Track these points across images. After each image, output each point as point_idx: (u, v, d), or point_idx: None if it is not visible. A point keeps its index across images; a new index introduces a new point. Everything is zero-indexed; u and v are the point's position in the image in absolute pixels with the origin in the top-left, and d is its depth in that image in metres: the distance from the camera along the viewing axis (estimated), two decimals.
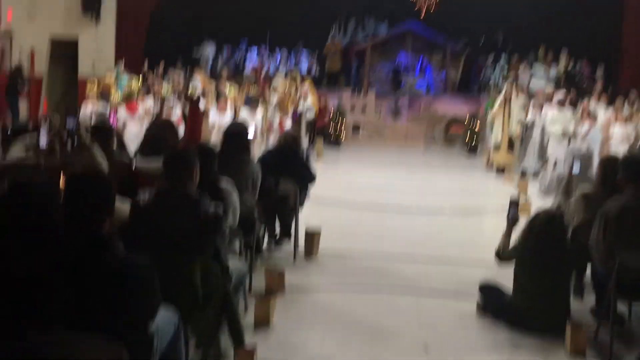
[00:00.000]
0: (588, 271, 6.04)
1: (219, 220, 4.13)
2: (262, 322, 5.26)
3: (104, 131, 5.65)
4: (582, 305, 6.03)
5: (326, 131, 17.12)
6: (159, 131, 6.19)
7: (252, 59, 19.98)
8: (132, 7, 18.15)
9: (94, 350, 2.87)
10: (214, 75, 17.15)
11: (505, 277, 5.89)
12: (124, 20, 18.16)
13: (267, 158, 6.96)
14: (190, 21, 19.41)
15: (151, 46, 18.47)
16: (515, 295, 5.62)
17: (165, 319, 3.33)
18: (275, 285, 5.97)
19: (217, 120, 11.87)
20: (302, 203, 7.29)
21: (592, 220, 5.44)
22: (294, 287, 6.17)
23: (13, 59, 17.75)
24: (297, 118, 13.63)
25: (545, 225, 5.54)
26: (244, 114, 12.29)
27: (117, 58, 17.31)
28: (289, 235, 7.21)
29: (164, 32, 18.81)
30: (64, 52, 18.76)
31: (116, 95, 12.57)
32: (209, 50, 20.05)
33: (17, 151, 5.02)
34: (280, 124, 12.49)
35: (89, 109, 12.10)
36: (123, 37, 18.16)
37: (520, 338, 5.33)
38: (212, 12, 19.48)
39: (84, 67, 18.17)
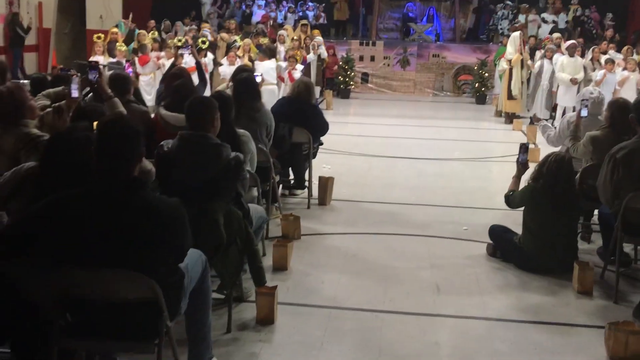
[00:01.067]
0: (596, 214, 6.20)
1: (240, 166, 4.28)
2: (280, 266, 5.46)
3: (122, 82, 5.77)
4: (589, 248, 6.21)
5: (335, 82, 17.16)
6: (175, 81, 6.31)
7: (259, 10, 19.93)
8: None
9: (130, 286, 3.07)
10: (222, 28, 17.12)
11: (514, 220, 6.07)
12: None
13: (281, 107, 7.07)
14: None
15: (157, 1, 18.48)
16: (523, 237, 5.78)
17: (193, 258, 3.50)
18: (291, 231, 6.15)
19: (228, 72, 11.93)
20: (315, 152, 7.43)
21: (600, 162, 5.56)
22: (308, 233, 6.36)
23: (21, 12, 17.73)
24: (306, 67, 13.64)
25: (555, 169, 5.66)
26: (257, 64, 12.34)
27: (125, 12, 17.32)
28: (303, 183, 7.37)
29: None
30: (72, 6, 18.76)
31: (124, 48, 12.60)
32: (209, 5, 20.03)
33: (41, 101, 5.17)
34: (290, 74, 12.53)
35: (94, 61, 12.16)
36: None
37: (529, 279, 5.52)
38: None
39: (92, 21, 18.19)
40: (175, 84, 5.92)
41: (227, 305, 4.43)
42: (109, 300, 3.08)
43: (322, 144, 7.58)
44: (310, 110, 7.17)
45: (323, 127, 7.27)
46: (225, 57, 12.72)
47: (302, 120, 7.03)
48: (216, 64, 12.53)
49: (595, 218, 6.47)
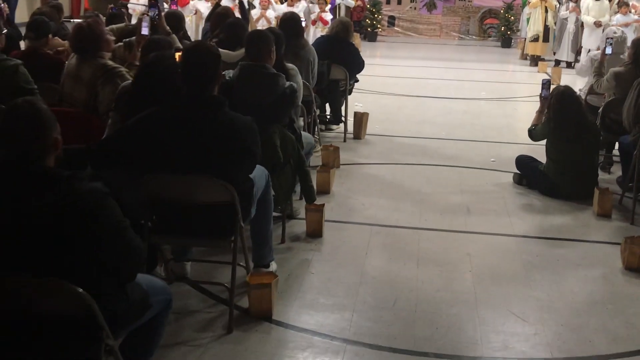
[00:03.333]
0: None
1: (294, 94, 4.76)
2: (323, 189, 5.97)
3: (177, 19, 6.23)
4: (609, 178, 6.66)
5: (362, 24, 17.43)
6: (222, 20, 6.77)
7: None
8: None
9: (211, 190, 3.58)
10: None
11: (538, 152, 6.52)
12: None
13: (320, 45, 7.48)
14: None
15: None
16: (547, 166, 6.24)
17: (259, 172, 4.00)
18: (331, 160, 6.64)
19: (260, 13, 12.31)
20: (351, 89, 7.87)
21: (623, 97, 5.97)
22: (346, 163, 6.85)
23: None
24: (332, 10, 13.95)
25: (559, 99, 6.10)
26: (282, 7, 12.68)
27: None
28: (340, 118, 7.83)
29: None
30: None
31: None
32: None
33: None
34: (321, 17, 12.86)
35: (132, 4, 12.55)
36: None
37: (553, 203, 6.01)
38: None
39: None
40: (229, 21, 6.35)
41: (281, 220, 4.96)
42: (193, 202, 3.60)
43: (357, 81, 8.01)
44: (347, 49, 7.59)
45: (359, 65, 7.69)
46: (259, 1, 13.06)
47: (339, 58, 7.44)
48: (250, 5, 12.86)
49: (615, 151, 6.91)
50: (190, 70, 3.55)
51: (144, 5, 11.43)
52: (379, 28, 17.52)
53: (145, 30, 5.21)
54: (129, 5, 11.37)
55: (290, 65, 5.57)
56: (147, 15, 5.38)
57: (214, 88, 3.60)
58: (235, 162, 3.58)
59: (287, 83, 4.74)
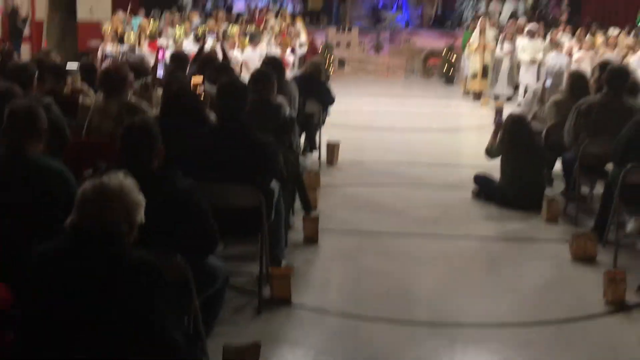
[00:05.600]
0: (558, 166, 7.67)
1: (293, 121, 5.65)
2: (312, 205, 6.81)
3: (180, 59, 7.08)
4: (553, 192, 7.68)
5: None
6: (208, 63, 7.63)
7: (239, 1, 21.18)
8: None
9: (243, 195, 4.41)
10: (209, 17, 18.26)
11: (492, 171, 7.51)
12: None
13: (296, 82, 8.39)
14: None
15: None
16: (501, 181, 7.24)
17: (274, 183, 4.86)
18: (313, 181, 7.49)
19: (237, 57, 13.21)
20: (324, 121, 8.79)
21: (562, 122, 7.01)
22: (326, 185, 7.72)
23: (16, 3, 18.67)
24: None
25: (512, 125, 7.17)
26: (249, 50, 13.63)
27: (114, 4, 18.42)
28: (315, 146, 8.73)
29: None
30: None
31: (131, 36, 13.75)
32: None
33: None
34: (283, 59, 13.79)
35: (107, 50, 13.34)
36: None
37: (507, 212, 6.98)
38: None
39: (82, 12, 19.16)
40: (218, 65, 7.23)
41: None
42: (228, 206, 4.41)
43: (329, 114, 8.94)
44: (320, 85, 8.53)
45: (331, 100, 8.64)
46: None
47: (313, 94, 8.36)
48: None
49: (556, 169, 7.96)
50: (226, 102, 4.41)
51: (120, 51, 12.25)
52: (331, 69, 18.58)
53: (159, 73, 6.03)
54: (105, 51, 12.10)
55: (280, 99, 6.46)
56: (162, 59, 6.19)
57: (244, 114, 4.46)
58: (262, 173, 4.43)
59: (287, 112, 5.63)
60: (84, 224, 2.38)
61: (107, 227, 2.37)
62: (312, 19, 22.05)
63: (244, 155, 4.33)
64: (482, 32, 15.42)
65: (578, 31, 15.51)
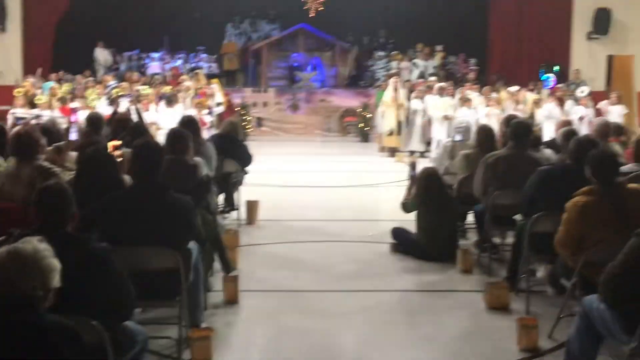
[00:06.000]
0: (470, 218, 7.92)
1: (210, 181, 5.67)
2: (231, 266, 6.78)
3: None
4: (466, 243, 7.91)
5: None
6: (123, 125, 7.61)
7: (154, 63, 21.19)
8: (37, 18, 18.97)
9: (161, 257, 4.38)
10: (122, 79, 18.19)
11: (408, 224, 7.68)
12: (30, 31, 18.95)
13: (213, 142, 8.42)
14: (90, 31, 20.50)
15: (56, 55, 19.43)
16: (418, 234, 7.41)
17: (192, 243, 4.85)
18: (233, 241, 7.48)
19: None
20: (242, 180, 8.83)
21: (472, 174, 7.28)
22: (245, 244, 7.71)
23: None
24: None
25: (426, 179, 7.40)
26: (164, 111, 13.63)
27: (25, 67, 18.21)
28: (233, 205, 8.73)
29: (68, 42, 19.83)
30: None
31: (42, 99, 13.52)
32: (106, 57, 21.08)
33: None
34: (201, 119, 13.83)
35: (18, 113, 13.06)
36: (29, 46, 18.97)
37: (424, 265, 7.13)
38: (110, 22, 20.79)
39: None
40: (132, 125, 7.21)
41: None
42: (145, 269, 4.37)
43: (247, 173, 8.99)
44: (237, 145, 8.59)
45: (249, 159, 8.70)
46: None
47: (231, 153, 8.41)
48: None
49: (469, 220, 8.21)
50: (141, 163, 4.41)
51: (29, 115, 12.03)
52: (248, 128, 18.71)
53: (72, 136, 5.97)
54: (16, 114, 11.85)
55: (197, 158, 6.48)
56: (75, 122, 6.12)
57: (159, 174, 4.46)
58: (179, 234, 4.42)
59: (204, 171, 5.65)
60: None
61: (22, 292, 2.34)
62: (228, 79, 22.24)
63: (161, 216, 4.32)
64: (395, 90, 15.92)
65: (485, 89, 16.19)
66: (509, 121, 7.49)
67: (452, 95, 16.03)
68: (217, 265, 6.26)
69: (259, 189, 10.97)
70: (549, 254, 5.55)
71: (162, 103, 14.17)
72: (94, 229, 4.16)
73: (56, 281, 2.52)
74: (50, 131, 6.85)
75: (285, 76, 21.70)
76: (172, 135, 5.65)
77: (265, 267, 6.98)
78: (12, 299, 2.34)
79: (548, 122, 14.20)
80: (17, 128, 5.90)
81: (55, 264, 2.53)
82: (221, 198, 8.81)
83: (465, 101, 15.03)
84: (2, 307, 2.35)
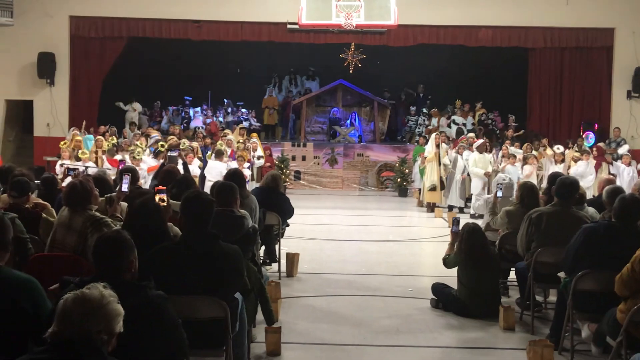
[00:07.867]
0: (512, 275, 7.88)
1: (256, 233, 5.77)
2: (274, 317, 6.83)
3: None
4: (508, 301, 7.86)
5: None
6: (170, 177, 7.78)
7: (197, 116, 21.67)
8: (84, 73, 19.58)
9: (209, 307, 4.46)
10: (166, 133, 18.59)
11: (449, 280, 7.67)
12: (77, 85, 19.55)
13: (256, 195, 8.56)
14: (137, 85, 21.20)
15: (103, 110, 20.02)
16: (459, 291, 7.39)
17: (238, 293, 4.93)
18: (274, 293, 7.54)
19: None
20: (283, 232, 8.93)
21: (515, 231, 7.28)
22: (286, 295, 7.76)
23: None
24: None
25: (469, 234, 7.39)
26: (212, 163, 13.91)
27: (70, 120, 18.77)
28: (274, 258, 8.81)
29: (113, 96, 20.48)
30: (18, 115, 20.02)
31: (85, 152, 13.88)
32: (141, 112, 21.63)
33: None
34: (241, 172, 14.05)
35: (67, 164, 13.39)
36: (75, 100, 19.54)
37: (465, 321, 7.10)
38: (157, 77, 21.54)
39: (39, 128, 19.40)
40: (180, 178, 7.38)
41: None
42: (193, 318, 4.45)
43: (288, 225, 9.09)
44: (279, 198, 8.72)
45: (290, 212, 8.81)
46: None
47: (272, 206, 8.54)
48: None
49: (511, 276, 8.17)
50: (193, 214, 4.52)
51: (80, 166, 12.35)
52: (287, 182, 18.90)
53: (125, 188, 6.13)
54: (66, 165, 12.14)
55: (242, 211, 6.60)
56: (128, 175, 6.28)
57: (210, 225, 4.57)
58: (228, 283, 4.50)
59: (250, 223, 5.76)
60: (65, 334, 2.43)
61: (88, 336, 2.43)
62: (268, 133, 22.60)
63: (211, 265, 4.41)
64: (437, 146, 16.00)
65: (525, 146, 16.20)
66: (553, 178, 7.51)
67: (491, 152, 16.06)
68: (259, 316, 6.32)
69: (298, 241, 11.08)
70: (594, 312, 5.53)
71: (212, 155, 14.47)
72: (149, 277, 4.26)
73: (120, 326, 2.62)
74: (102, 182, 7.06)
75: (324, 131, 21.99)
76: (220, 187, 5.80)
77: (306, 320, 7.01)
78: (78, 342, 2.44)
79: (581, 180, 14.14)
80: (69, 179, 6.07)
81: (120, 309, 2.63)
82: (262, 250, 8.93)
83: (509, 158, 15.03)
84: (68, 350, 2.44)
